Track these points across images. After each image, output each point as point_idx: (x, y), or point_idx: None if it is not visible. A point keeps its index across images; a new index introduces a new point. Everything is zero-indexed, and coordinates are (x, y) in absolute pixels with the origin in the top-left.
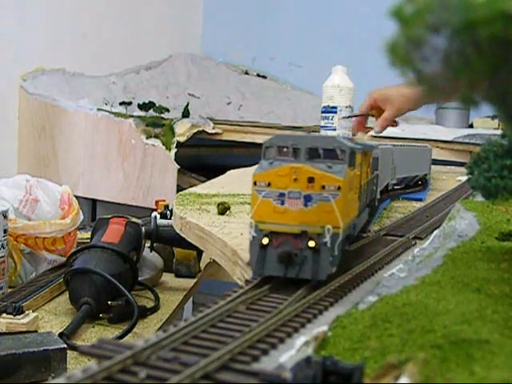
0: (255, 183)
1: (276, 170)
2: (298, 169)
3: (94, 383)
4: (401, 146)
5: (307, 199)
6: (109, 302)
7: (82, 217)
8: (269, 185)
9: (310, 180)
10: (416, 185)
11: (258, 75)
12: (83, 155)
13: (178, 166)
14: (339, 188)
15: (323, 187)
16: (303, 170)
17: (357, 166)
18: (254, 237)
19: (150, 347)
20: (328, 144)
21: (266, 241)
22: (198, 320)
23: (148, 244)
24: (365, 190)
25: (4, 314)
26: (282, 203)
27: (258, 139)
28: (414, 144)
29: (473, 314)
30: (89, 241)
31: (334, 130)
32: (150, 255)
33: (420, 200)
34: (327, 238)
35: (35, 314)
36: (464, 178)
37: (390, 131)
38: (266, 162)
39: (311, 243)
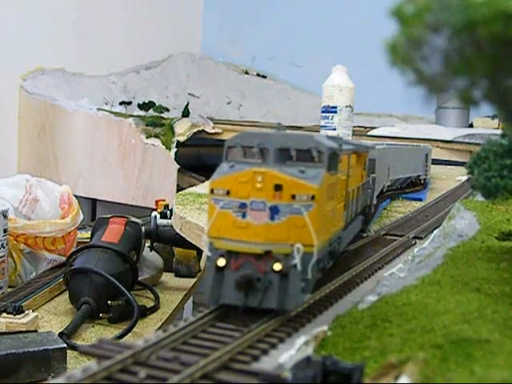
0: (212, 191)
1: (236, 175)
2: (263, 174)
3: (93, 383)
4: (396, 145)
5: (274, 211)
6: (109, 302)
7: (81, 216)
8: (228, 193)
9: (278, 188)
10: (409, 186)
11: (258, 75)
12: (83, 155)
13: (178, 166)
14: (313, 197)
15: (293, 197)
16: (269, 176)
17: (341, 170)
18: (208, 257)
19: (149, 347)
20: (302, 144)
21: (222, 262)
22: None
23: (148, 244)
24: (356, 195)
25: (4, 314)
26: (244, 216)
27: None
28: (408, 144)
29: (473, 314)
30: (89, 240)
31: (334, 129)
32: (150, 255)
33: (420, 200)
34: (297, 260)
35: (35, 314)
36: (464, 178)
37: (391, 131)
38: (227, 164)
39: (277, 266)
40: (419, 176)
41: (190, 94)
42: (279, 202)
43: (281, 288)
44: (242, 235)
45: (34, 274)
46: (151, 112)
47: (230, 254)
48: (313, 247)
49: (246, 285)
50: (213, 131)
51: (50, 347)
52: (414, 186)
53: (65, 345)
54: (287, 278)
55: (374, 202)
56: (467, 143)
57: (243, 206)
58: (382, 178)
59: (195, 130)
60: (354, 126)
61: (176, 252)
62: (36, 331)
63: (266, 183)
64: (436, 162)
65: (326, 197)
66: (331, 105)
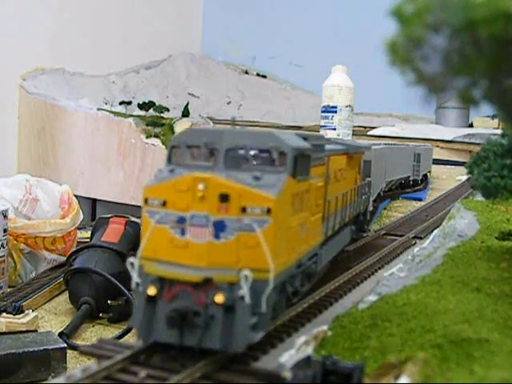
0: (146, 201)
1: (174, 181)
2: (205, 181)
3: (93, 383)
4: (394, 145)
5: (219, 228)
6: (108, 302)
7: (81, 216)
8: (164, 204)
9: (223, 198)
10: (402, 187)
11: (258, 75)
12: (83, 155)
13: None
14: (269, 211)
15: (244, 209)
16: (212, 183)
17: (317, 175)
18: (137, 284)
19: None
20: (260, 143)
21: (152, 291)
22: None
23: None
24: (343, 204)
25: (4, 314)
26: (183, 233)
27: None
28: (400, 143)
29: (473, 314)
30: (89, 240)
31: (334, 129)
32: None
33: (420, 200)
34: (244, 290)
35: (35, 314)
36: (464, 178)
37: (390, 131)
38: (167, 168)
39: (219, 298)
40: (408, 177)
41: (189, 93)
42: (226, 217)
43: (225, 324)
44: (180, 257)
45: (33, 273)
46: (151, 112)
47: (163, 281)
48: (268, 273)
49: (179, 321)
50: None
51: (50, 347)
52: (412, 186)
53: (65, 345)
54: (233, 313)
55: (370, 208)
56: (467, 143)
57: (182, 220)
58: (379, 181)
59: None
60: (354, 126)
61: None
62: (36, 331)
63: (210, 192)
64: (436, 161)
65: (288, 209)
66: (331, 105)
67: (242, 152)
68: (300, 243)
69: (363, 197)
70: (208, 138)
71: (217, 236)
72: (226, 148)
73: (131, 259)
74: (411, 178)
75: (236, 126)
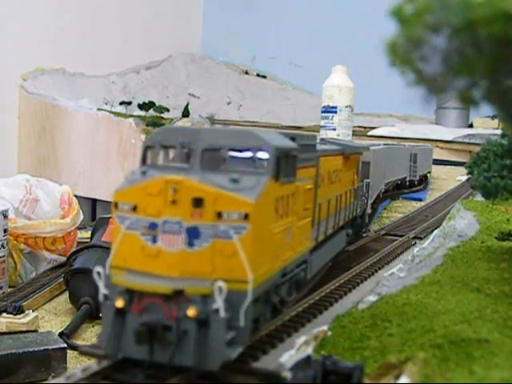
0: (116, 206)
1: (145, 185)
2: (177, 184)
3: (93, 383)
4: (393, 146)
5: (193, 235)
6: None
7: (81, 216)
8: (135, 209)
9: (197, 202)
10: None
11: (258, 75)
12: (83, 155)
13: None
14: (247, 216)
15: (219, 215)
16: (185, 186)
17: (306, 177)
18: (105, 296)
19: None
20: (239, 142)
21: (120, 303)
22: None
23: None
24: (339, 206)
25: (4, 314)
26: (154, 240)
27: None
28: (397, 144)
29: (472, 314)
30: (89, 240)
31: (334, 129)
32: None
33: (420, 200)
34: (219, 303)
35: (35, 314)
36: (464, 178)
37: (390, 131)
38: (140, 170)
39: (191, 311)
40: (405, 178)
41: (189, 94)
42: (200, 223)
43: (199, 340)
44: (152, 266)
45: (34, 273)
46: (151, 112)
47: (131, 293)
48: (246, 284)
49: (148, 336)
50: None
51: (50, 347)
52: (409, 187)
53: (65, 345)
54: (207, 327)
55: (369, 210)
56: (467, 143)
57: (153, 226)
58: (378, 182)
59: None
60: (354, 126)
61: None
62: (36, 331)
63: (182, 196)
64: (436, 162)
65: (270, 214)
66: (331, 105)
67: (219, 152)
68: (285, 250)
69: (361, 199)
70: (184, 138)
71: (190, 244)
72: (203, 148)
73: (97, 268)
74: (408, 179)
75: (215, 124)
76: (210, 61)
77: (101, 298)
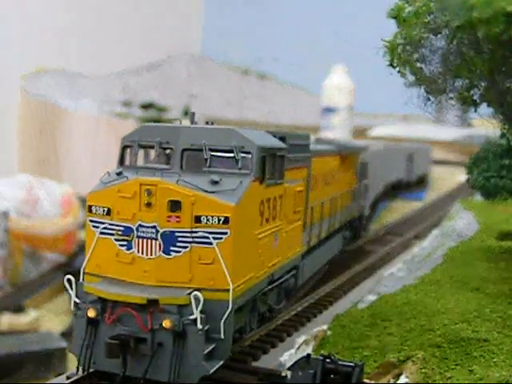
0: (90, 209)
1: (118, 187)
2: (152, 186)
3: (93, 382)
4: (392, 146)
5: (169, 241)
6: None
7: (82, 216)
8: (109, 213)
9: (174, 206)
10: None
11: (258, 75)
12: (84, 155)
13: None
14: (227, 221)
15: (198, 219)
16: (161, 189)
17: (296, 178)
18: (76, 304)
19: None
20: (221, 141)
21: (92, 313)
22: None
23: None
24: (335, 208)
25: (5, 313)
26: (129, 247)
27: None
28: (394, 144)
29: (472, 313)
30: None
31: (334, 129)
32: None
33: (420, 199)
34: (195, 313)
35: (36, 313)
36: (463, 178)
37: (390, 131)
38: (115, 171)
39: (166, 322)
40: (401, 179)
41: (190, 94)
42: (177, 228)
43: (176, 353)
44: (126, 274)
45: (34, 273)
46: (151, 112)
47: (105, 302)
48: (227, 293)
49: (119, 349)
50: None
51: (51, 347)
52: (405, 187)
53: (65, 344)
54: (185, 339)
55: (367, 212)
56: (466, 143)
57: (128, 231)
58: (377, 183)
59: None
60: (354, 126)
61: None
62: (37, 331)
63: (158, 199)
64: (436, 162)
65: (253, 218)
66: (331, 105)
67: (200, 152)
68: (272, 256)
69: (359, 200)
70: (162, 137)
71: (167, 250)
72: (182, 148)
73: (68, 276)
74: (404, 180)
75: (195, 122)
76: (210, 61)
77: (72, 306)
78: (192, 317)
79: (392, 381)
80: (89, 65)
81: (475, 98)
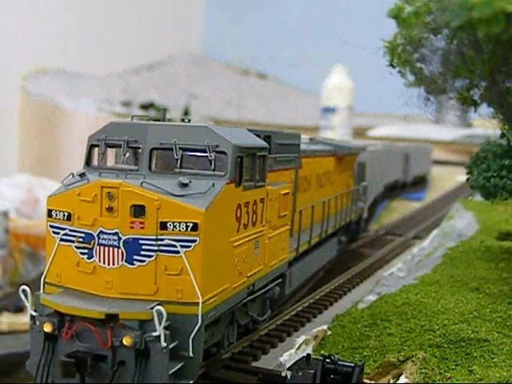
0: (50, 213)
1: (78, 190)
2: (114, 189)
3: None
4: (391, 146)
5: (132, 249)
6: None
7: None
8: (69, 217)
9: (138, 211)
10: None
11: (258, 75)
12: (84, 155)
13: None
14: (196, 227)
15: (164, 226)
16: (124, 192)
17: (284, 180)
18: (32, 317)
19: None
20: (194, 140)
21: (49, 327)
22: None
23: None
24: (328, 211)
25: (5, 313)
26: (90, 255)
27: None
28: (391, 144)
29: (472, 313)
30: None
31: (334, 129)
32: None
33: (420, 199)
34: (158, 330)
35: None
36: (463, 178)
37: (390, 131)
38: (79, 173)
39: (126, 339)
40: (397, 180)
41: (190, 94)
42: (141, 235)
43: (138, 373)
44: (88, 285)
45: (34, 273)
46: (151, 112)
47: (62, 316)
48: (196, 306)
49: (75, 368)
50: None
51: None
52: (401, 188)
53: None
54: (148, 358)
55: (365, 214)
56: (467, 143)
57: (89, 238)
58: (376, 184)
59: None
60: (354, 126)
61: None
62: None
63: (121, 203)
64: (436, 162)
65: (228, 224)
66: (331, 105)
67: (170, 152)
68: (252, 264)
69: (357, 203)
70: (130, 135)
71: (130, 259)
72: (151, 147)
73: (23, 286)
74: (400, 181)
75: (167, 119)
76: (211, 61)
77: (28, 320)
78: (155, 333)
79: (392, 381)
80: (89, 65)
81: (475, 98)
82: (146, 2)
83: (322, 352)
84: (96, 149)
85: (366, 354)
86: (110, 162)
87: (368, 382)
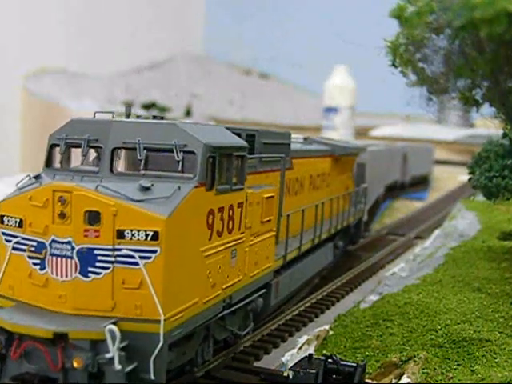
0: (1, 219)
1: (30, 194)
2: (66, 193)
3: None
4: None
5: (87, 260)
6: None
7: None
8: (21, 224)
9: (93, 218)
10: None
11: (260, 75)
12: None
13: None
14: (157, 237)
15: (121, 234)
16: (77, 196)
17: (269, 182)
18: None
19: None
20: (160, 139)
21: None
22: None
23: None
24: (322, 215)
25: None
26: (43, 266)
27: None
28: (390, 144)
29: (474, 313)
30: None
31: (336, 129)
32: None
33: (421, 199)
34: (112, 351)
35: None
36: (465, 178)
37: (392, 131)
38: (35, 175)
39: (77, 361)
40: (396, 181)
41: (192, 94)
42: (96, 244)
43: None
44: (40, 299)
45: None
46: (153, 112)
47: (9, 334)
48: (158, 324)
49: None
50: None
51: None
52: (399, 189)
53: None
54: (103, 382)
55: (365, 217)
56: (469, 143)
57: (40, 247)
58: (377, 186)
59: None
60: (356, 126)
61: None
62: None
63: (74, 209)
64: (438, 162)
65: (198, 231)
66: (333, 105)
67: (134, 152)
68: (229, 275)
69: (356, 205)
70: (92, 133)
71: (84, 272)
72: (113, 146)
73: None
74: (399, 182)
75: (134, 115)
76: (212, 61)
77: None
78: (108, 355)
79: (394, 381)
80: (90, 65)
81: (477, 97)
82: (147, 2)
83: (324, 352)
84: (57, 148)
85: (367, 353)
86: (77, 163)
87: (370, 381)
